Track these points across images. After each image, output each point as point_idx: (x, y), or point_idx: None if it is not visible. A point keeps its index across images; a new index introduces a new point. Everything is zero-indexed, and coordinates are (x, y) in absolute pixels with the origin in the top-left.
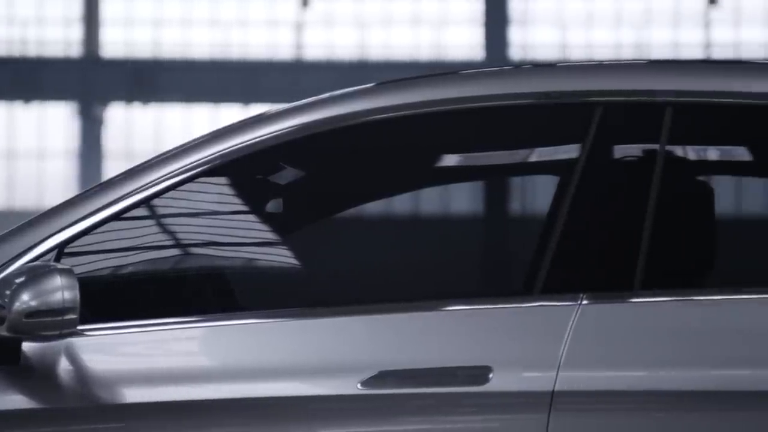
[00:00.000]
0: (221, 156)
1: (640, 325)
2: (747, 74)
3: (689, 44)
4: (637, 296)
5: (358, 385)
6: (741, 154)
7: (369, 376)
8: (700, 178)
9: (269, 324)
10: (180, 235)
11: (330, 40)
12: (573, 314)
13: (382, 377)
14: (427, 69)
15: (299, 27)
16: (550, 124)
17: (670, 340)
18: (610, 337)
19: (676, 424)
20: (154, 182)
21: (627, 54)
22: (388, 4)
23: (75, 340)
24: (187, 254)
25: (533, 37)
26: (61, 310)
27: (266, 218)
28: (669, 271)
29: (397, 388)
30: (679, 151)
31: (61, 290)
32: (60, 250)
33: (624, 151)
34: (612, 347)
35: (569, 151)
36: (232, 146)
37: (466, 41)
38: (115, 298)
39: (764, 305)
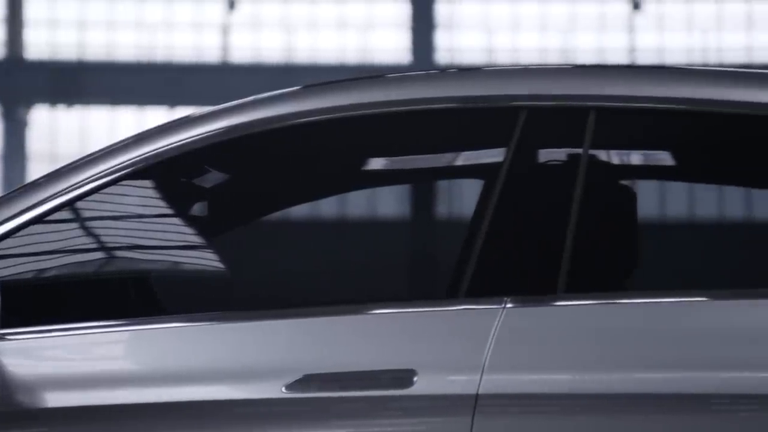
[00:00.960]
0: (146, 158)
1: (563, 328)
2: (670, 79)
3: (614, 49)
4: (561, 300)
5: (283, 389)
6: (663, 158)
7: (293, 380)
8: (623, 182)
9: (193, 327)
10: (104, 239)
11: (256, 43)
12: (497, 318)
13: (307, 381)
14: (353, 72)
15: (225, 30)
16: (474, 128)
17: (592, 343)
18: (534, 340)
19: (598, 426)
20: (78, 184)
21: (553, 58)
22: (314, 7)
23: None
24: (112, 257)
25: (459, 41)
26: None
27: (191, 221)
28: (592, 274)
29: (322, 392)
30: (602, 155)
31: None
32: None
33: (548, 155)
34: (535, 350)
35: (494, 155)
36: (158, 149)
37: (392, 45)
38: (37, 301)
39: (686, 307)
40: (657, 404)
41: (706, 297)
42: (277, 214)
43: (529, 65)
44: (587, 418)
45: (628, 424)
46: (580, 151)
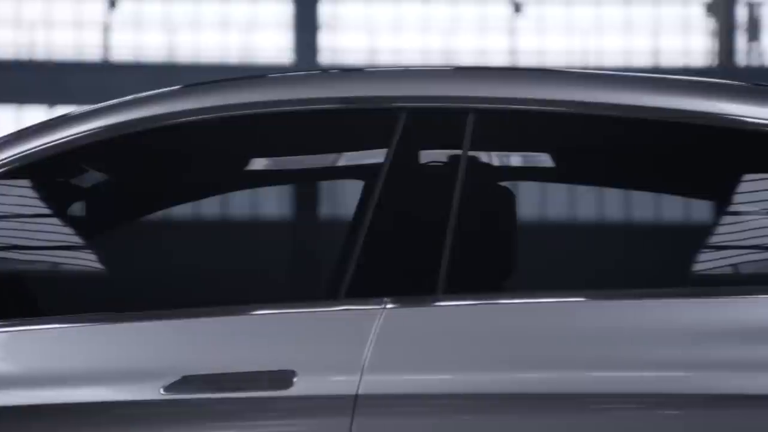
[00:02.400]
0: (23, 157)
1: (442, 328)
2: (549, 81)
3: (495, 51)
4: (440, 300)
5: (161, 390)
6: (543, 160)
7: (172, 381)
8: (503, 183)
9: (71, 329)
10: None
11: (138, 42)
12: (377, 318)
13: (186, 382)
14: (236, 72)
15: (107, 28)
16: (355, 128)
17: (472, 344)
18: (414, 340)
19: (477, 426)
20: None
21: (435, 59)
22: (196, 6)
23: None
24: None
25: (342, 42)
26: None
27: (70, 221)
28: (471, 275)
29: (201, 393)
30: (481, 156)
31: None
32: None
33: (427, 156)
34: (415, 351)
35: (374, 156)
36: (35, 147)
37: (275, 45)
38: None
39: (564, 307)
40: (535, 404)
41: (585, 297)
42: (157, 215)
43: (410, 67)
44: (466, 417)
45: (506, 424)
46: (459, 152)
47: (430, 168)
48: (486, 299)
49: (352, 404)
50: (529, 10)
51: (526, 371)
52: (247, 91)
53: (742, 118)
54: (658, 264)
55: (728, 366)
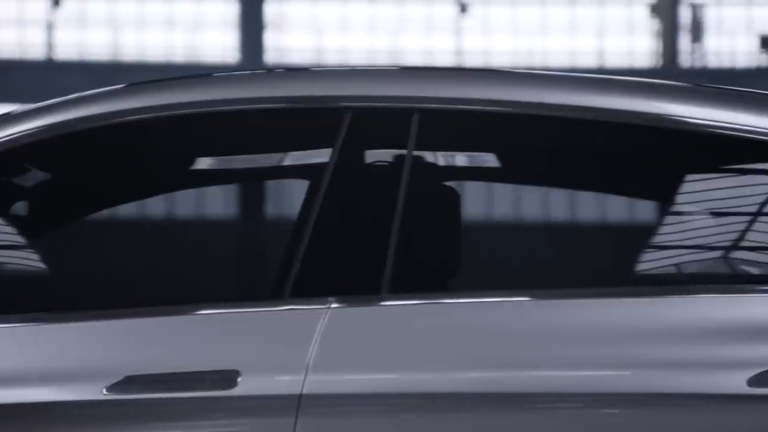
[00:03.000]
0: None
1: (387, 328)
2: (494, 82)
3: (441, 51)
4: (385, 300)
5: (104, 391)
6: (488, 159)
7: (115, 381)
8: (447, 183)
9: (13, 329)
10: None
11: (82, 41)
12: (321, 318)
13: (129, 382)
14: (181, 71)
15: (50, 26)
16: (300, 128)
17: (416, 343)
18: (358, 340)
19: (421, 425)
20: None
21: (381, 59)
22: (141, 5)
23: None
24: None
25: (288, 41)
26: None
27: (10, 220)
28: (416, 274)
29: (144, 393)
30: (426, 156)
31: None
32: None
33: (373, 156)
34: (360, 350)
35: (319, 156)
36: None
37: (221, 44)
38: None
39: (509, 307)
40: (479, 402)
41: (529, 297)
42: (101, 214)
43: (356, 66)
44: (410, 417)
45: (451, 423)
46: (404, 152)
47: (375, 168)
48: (430, 299)
49: (296, 404)
50: (475, 11)
51: (470, 370)
52: (191, 91)
53: (684, 119)
54: (602, 263)
55: (670, 365)
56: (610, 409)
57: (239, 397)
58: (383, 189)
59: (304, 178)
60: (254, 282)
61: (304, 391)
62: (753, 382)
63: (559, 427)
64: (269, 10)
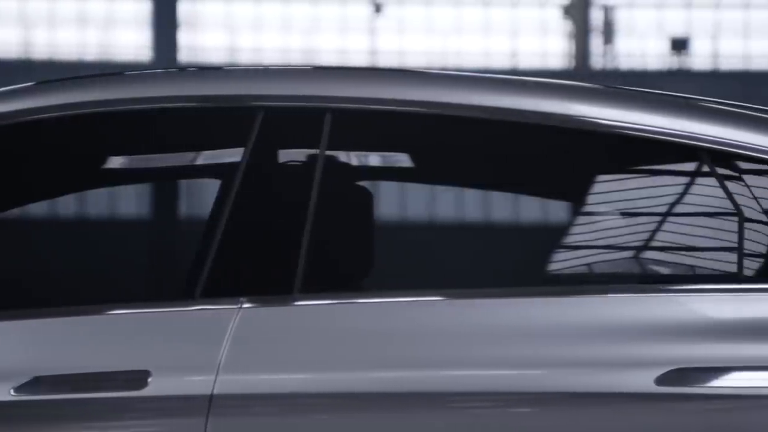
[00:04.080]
0: None
1: (299, 327)
2: (407, 82)
3: (356, 51)
4: (297, 300)
5: (12, 392)
6: (400, 159)
7: (23, 382)
8: (360, 183)
9: None
10: None
11: None
12: (233, 318)
13: (37, 383)
14: (93, 69)
15: None
16: (213, 127)
17: (329, 343)
18: (270, 340)
19: (333, 425)
20: None
21: (296, 59)
22: (52, 3)
23: None
24: None
25: (202, 40)
26: None
27: None
28: (329, 274)
29: (53, 394)
30: (338, 156)
31: None
32: None
33: (285, 155)
34: (272, 350)
35: (231, 155)
36: None
37: (133, 42)
38: None
39: (422, 306)
40: (394, 402)
41: (442, 296)
42: (11, 213)
43: (268, 65)
44: (323, 417)
45: (363, 423)
46: (317, 152)
47: (288, 167)
48: (343, 298)
49: (207, 404)
50: (390, 11)
51: (382, 370)
52: (103, 89)
53: (596, 120)
54: (513, 263)
55: (580, 364)
56: (521, 409)
57: (150, 398)
58: (295, 189)
59: (215, 178)
60: (165, 282)
61: (215, 392)
62: (661, 380)
63: (470, 426)
64: (182, 9)
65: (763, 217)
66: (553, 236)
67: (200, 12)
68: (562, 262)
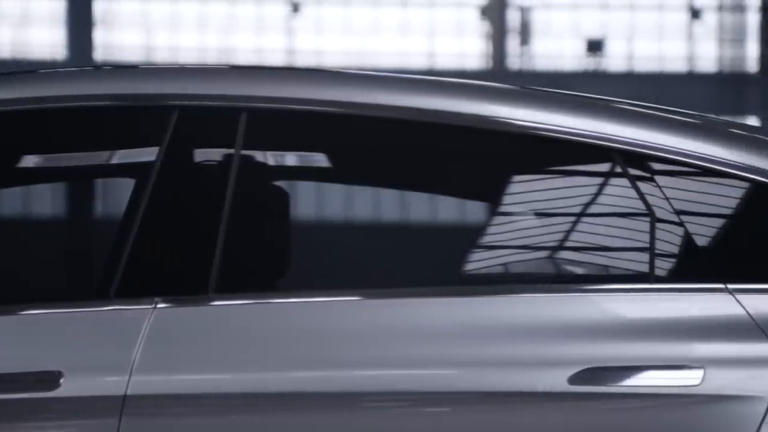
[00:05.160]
0: None
1: (214, 328)
2: (324, 82)
3: (273, 50)
4: (212, 300)
5: None
6: (316, 159)
7: None
8: (276, 183)
9: None
10: None
11: None
12: (147, 318)
13: None
14: (7, 67)
15: None
16: (127, 126)
17: (244, 343)
18: (185, 340)
19: (250, 426)
20: None
21: (212, 58)
22: None
23: None
24: None
25: (118, 39)
26: None
27: None
28: (244, 274)
29: None
30: (254, 156)
31: None
32: None
33: (200, 155)
34: (186, 350)
35: (146, 155)
36: None
37: (48, 41)
38: None
39: (337, 306)
40: (309, 402)
41: (358, 296)
42: None
43: (184, 64)
44: (237, 417)
45: (279, 423)
46: (232, 151)
47: (203, 167)
48: (259, 299)
49: (120, 405)
50: (307, 11)
51: (297, 370)
52: (16, 87)
53: (510, 121)
54: (430, 263)
55: (495, 363)
56: (434, 408)
57: (62, 399)
58: (211, 188)
59: (130, 177)
60: (79, 282)
61: (128, 392)
62: (573, 380)
63: (384, 426)
64: (98, 7)
65: (674, 218)
66: (467, 236)
67: (116, 10)
68: (476, 262)
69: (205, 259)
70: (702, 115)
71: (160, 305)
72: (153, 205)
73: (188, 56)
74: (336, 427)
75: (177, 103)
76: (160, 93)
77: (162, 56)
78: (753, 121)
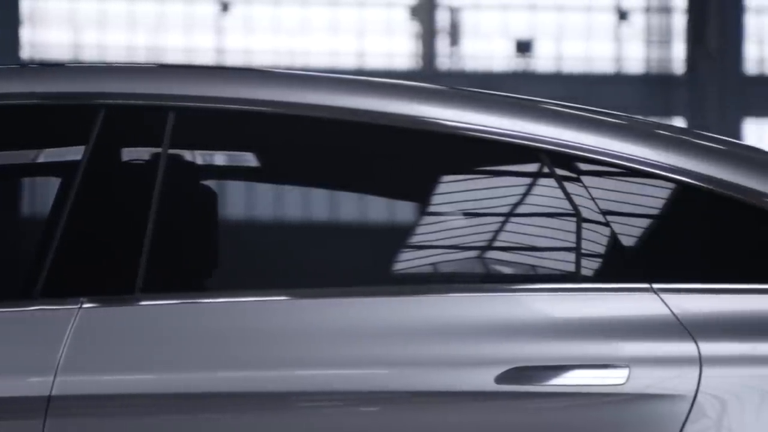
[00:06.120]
0: None
1: (141, 328)
2: (253, 81)
3: (203, 49)
4: (139, 300)
5: None
6: (246, 159)
7: None
8: (204, 182)
9: None
10: None
11: None
12: (72, 318)
13: None
14: None
15: None
16: (53, 125)
17: (172, 343)
18: (110, 340)
19: (177, 426)
20: None
21: (141, 57)
22: None
23: None
24: None
25: (45, 37)
26: None
27: None
28: (171, 274)
29: None
30: (181, 155)
31: None
32: None
33: (127, 154)
34: (112, 351)
35: (72, 154)
36: None
37: None
38: None
39: (265, 307)
40: (237, 403)
41: (289, 296)
42: None
43: (111, 63)
44: (163, 418)
45: (208, 423)
46: (159, 150)
47: (129, 166)
48: (186, 298)
49: (45, 406)
50: (237, 10)
51: (226, 371)
52: None
53: (439, 121)
54: (361, 263)
55: (424, 363)
56: (363, 408)
57: None
58: (137, 188)
59: (56, 176)
60: (3, 282)
61: (53, 393)
62: (500, 379)
63: (314, 426)
64: (25, 5)
65: (600, 218)
66: (396, 236)
67: (43, 8)
68: (404, 261)
69: (131, 258)
70: (628, 116)
71: (86, 305)
72: (79, 205)
73: (117, 55)
74: (264, 427)
75: (104, 101)
76: (86, 92)
77: (90, 55)
78: (679, 121)
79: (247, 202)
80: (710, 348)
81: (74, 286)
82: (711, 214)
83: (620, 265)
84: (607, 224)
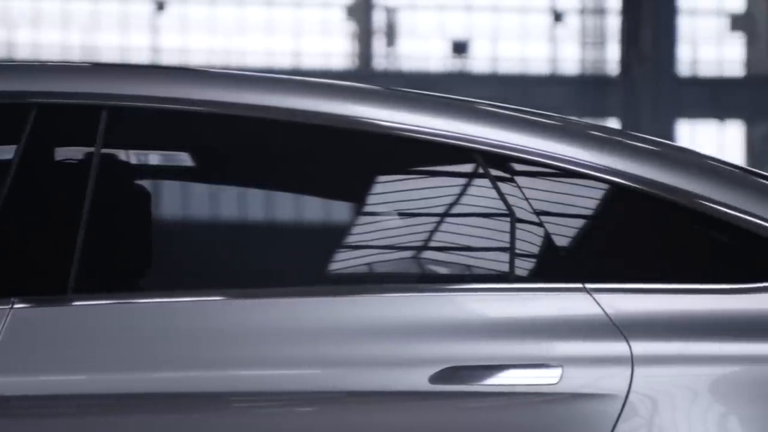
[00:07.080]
0: None
1: (74, 328)
2: (188, 80)
3: (138, 48)
4: (71, 300)
5: None
6: (180, 159)
7: None
8: (137, 182)
9: None
10: None
11: None
12: (3, 319)
13: None
14: None
15: None
16: None
17: (105, 344)
18: (42, 341)
19: (111, 426)
20: None
21: (75, 56)
22: None
23: None
24: None
25: None
26: None
27: None
28: (105, 274)
29: None
30: (115, 154)
31: None
32: None
33: (60, 153)
34: (45, 352)
35: (3, 153)
36: None
37: None
38: None
39: (203, 307)
40: (171, 403)
41: (221, 296)
42: None
43: (44, 61)
44: (96, 419)
45: (143, 423)
46: (92, 150)
47: (62, 165)
48: (120, 299)
49: None
50: (172, 9)
51: (159, 371)
52: None
53: (373, 121)
54: (294, 262)
55: (357, 363)
56: (297, 408)
57: None
58: (70, 187)
59: None
60: None
61: None
62: (435, 379)
63: (249, 426)
64: None
65: (533, 218)
66: (331, 236)
67: None
68: (339, 261)
69: (64, 258)
70: (562, 117)
71: (17, 305)
72: (10, 204)
73: (51, 53)
74: (198, 427)
75: (36, 100)
76: (18, 90)
77: (24, 53)
78: (613, 122)
79: (181, 202)
80: (642, 348)
81: (5, 286)
82: (643, 215)
83: (553, 265)
84: (540, 224)
